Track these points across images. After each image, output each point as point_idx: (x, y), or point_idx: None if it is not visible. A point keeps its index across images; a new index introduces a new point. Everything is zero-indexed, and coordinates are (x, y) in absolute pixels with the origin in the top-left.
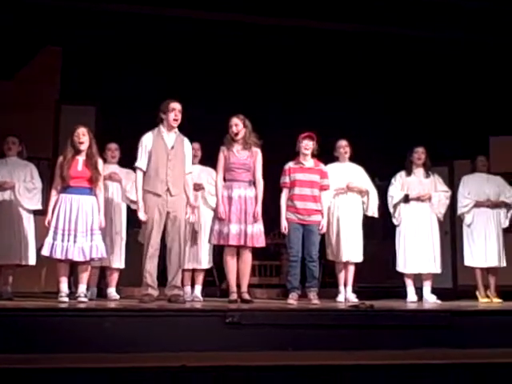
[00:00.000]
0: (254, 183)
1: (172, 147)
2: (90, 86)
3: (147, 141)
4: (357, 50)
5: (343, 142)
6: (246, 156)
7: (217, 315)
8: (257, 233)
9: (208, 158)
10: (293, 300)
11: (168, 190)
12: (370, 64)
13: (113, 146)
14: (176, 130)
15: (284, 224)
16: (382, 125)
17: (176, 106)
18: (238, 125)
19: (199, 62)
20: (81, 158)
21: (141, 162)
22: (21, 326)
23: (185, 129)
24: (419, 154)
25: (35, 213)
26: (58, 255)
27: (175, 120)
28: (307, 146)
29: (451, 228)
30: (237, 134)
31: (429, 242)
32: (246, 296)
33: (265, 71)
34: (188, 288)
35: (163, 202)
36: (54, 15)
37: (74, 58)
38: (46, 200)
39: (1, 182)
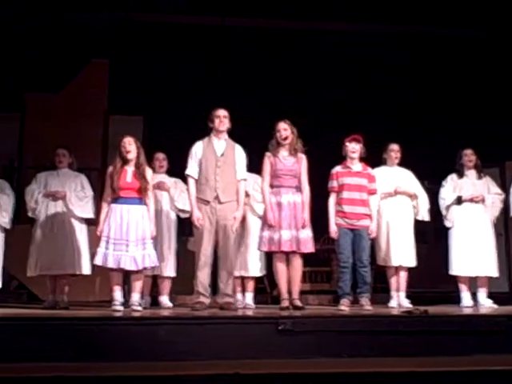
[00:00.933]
0: (300, 189)
1: (222, 154)
2: (137, 96)
3: (197, 149)
4: (409, 50)
5: (395, 147)
6: (292, 162)
7: (269, 322)
8: (306, 239)
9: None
10: (344, 306)
11: (217, 197)
12: (420, 66)
13: (160, 155)
14: (226, 137)
15: (333, 229)
16: (431, 127)
17: (220, 112)
18: (286, 129)
19: (247, 70)
20: (130, 169)
21: (191, 169)
22: (76, 335)
23: (236, 137)
24: (469, 156)
25: (88, 222)
26: (111, 264)
27: (220, 127)
28: (354, 149)
29: (505, 230)
30: (285, 139)
31: (484, 244)
32: (298, 303)
33: (310, 76)
34: (239, 295)
35: (212, 210)
36: (100, 28)
37: (121, 69)
38: (97, 210)
39: (53, 192)
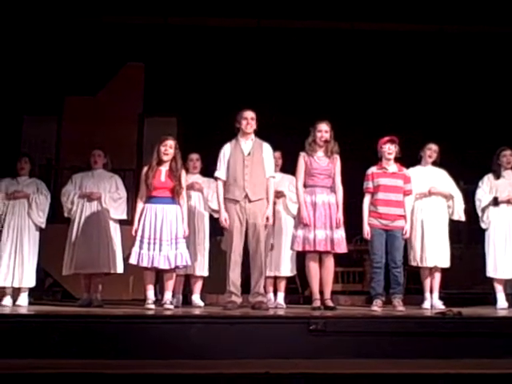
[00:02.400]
0: (333, 189)
1: (249, 153)
2: (171, 98)
3: (226, 150)
4: (440, 50)
5: (434, 146)
6: (326, 162)
7: (300, 322)
8: (340, 239)
9: (289, 167)
10: (377, 307)
11: (246, 196)
12: (453, 65)
13: (194, 156)
14: (252, 136)
15: (367, 229)
16: (466, 127)
17: (248, 114)
18: (327, 132)
19: (280, 71)
20: (164, 169)
21: (220, 171)
22: (110, 333)
23: (265, 137)
24: (507, 157)
25: (121, 222)
26: (145, 263)
27: (247, 128)
28: (390, 150)
29: None
30: (326, 141)
31: None
32: (330, 303)
33: (345, 76)
34: (271, 295)
35: (242, 210)
36: (134, 32)
37: (156, 72)
38: (131, 210)
39: (88, 193)
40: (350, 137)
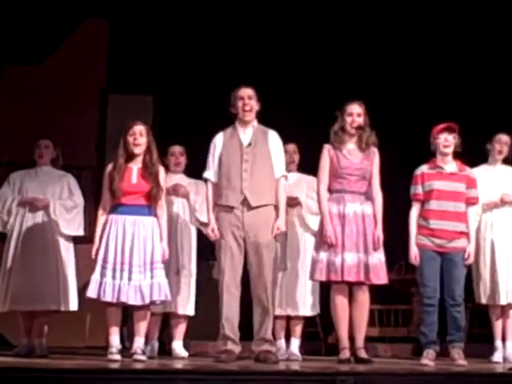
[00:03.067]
0: (370, 196)
1: (249, 144)
2: (146, 69)
3: (217, 142)
4: None
5: (505, 138)
6: (360, 158)
7: (322, 380)
8: (377, 265)
9: (306, 164)
10: (428, 359)
11: (245, 200)
12: None
13: (177, 149)
14: (254, 123)
15: (414, 252)
16: None
17: (243, 92)
18: (360, 115)
19: (292, 37)
20: (135, 167)
21: (209, 170)
22: None
23: (276, 127)
24: None
25: (76, 240)
26: (108, 297)
27: (245, 110)
28: (447, 142)
29: None
30: (358, 128)
31: None
32: (363, 353)
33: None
34: (282, 342)
35: (238, 221)
36: None
37: (125, 32)
38: (90, 223)
39: (31, 199)
40: (387, 125)
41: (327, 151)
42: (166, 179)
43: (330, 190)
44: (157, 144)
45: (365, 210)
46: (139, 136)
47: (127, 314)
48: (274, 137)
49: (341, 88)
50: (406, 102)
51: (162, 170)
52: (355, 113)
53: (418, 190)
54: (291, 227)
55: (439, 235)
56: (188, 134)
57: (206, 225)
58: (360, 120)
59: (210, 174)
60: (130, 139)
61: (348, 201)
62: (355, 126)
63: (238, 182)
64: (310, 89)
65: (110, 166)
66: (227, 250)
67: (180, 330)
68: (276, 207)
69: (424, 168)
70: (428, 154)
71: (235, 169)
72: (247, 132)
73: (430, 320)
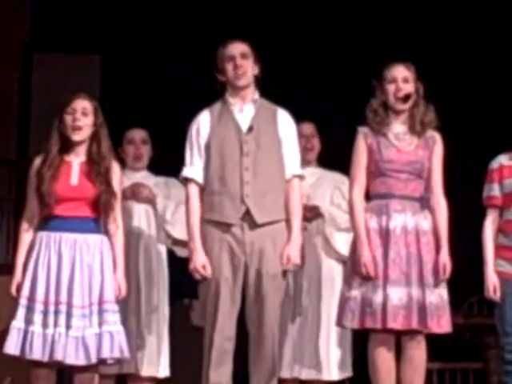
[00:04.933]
0: (427, 202)
1: (250, 128)
2: (88, 15)
3: (202, 125)
4: None
5: None
6: (413, 147)
7: None
8: (438, 305)
9: (331, 155)
10: None
11: (247, 213)
12: None
13: (137, 134)
14: (255, 95)
15: (493, 282)
16: None
17: (234, 48)
18: (407, 80)
19: None
20: (76, 161)
21: (191, 166)
22: None
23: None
24: None
25: None
26: (37, 354)
27: (237, 77)
28: None
29: None
30: (407, 98)
31: None
32: None
33: None
34: None
35: (236, 244)
36: None
37: None
38: (8, 244)
39: None
40: (445, 101)
41: (363, 137)
42: (121, 179)
43: (368, 195)
44: (108, 128)
45: (420, 225)
46: (81, 115)
47: (63, 379)
48: (285, 118)
49: (385, 44)
50: (474, 68)
51: (115, 165)
52: (400, 78)
53: (494, 191)
54: (309, 250)
55: None
56: (153, 112)
57: (181, 243)
58: (408, 87)
59: (192, 171)
60: (68, 120)
61: (395, 211)
62: (402, 97)
63: (237, 186)
64: (334, 44)
65: (37, 160)
66: (220, 286)
67: None
68: (287, 222)
69: (503, 159)
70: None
71: (232, 166)
72: (246, 110)
73: None
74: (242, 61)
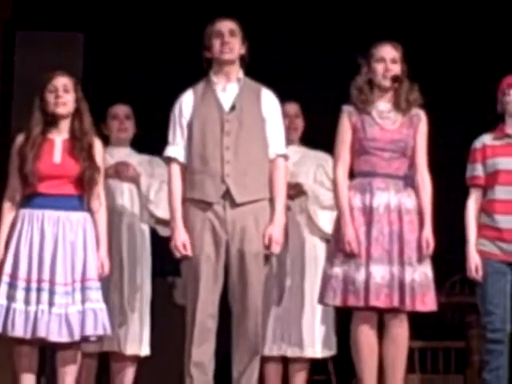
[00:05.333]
0: (411, 181)
1: (232, 107)
2: None
3: (184, 104)
4: None
5: None
6: (398, 125)
7: None
8: (422, 283)
9: (317, 134)
10: None
11: (227, 192)
12: None
13: (121, 109)
14: (239, 74)
15: (475, 262)
16: None
17: (222, 25)
18: (395, 60)
19: None
20: (59, 139)
21: (174, 146)
22: None
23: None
24: None
25: None
26: (19, 331)
27: (223, 51)
28: None
29: None
30: (395, 80)
31: None
32: None
33: None
34: None
35: (219, 222)
36: None
37: None
38: None
39: None
40: (430, 78)
41: (347, 115)
42: (104, 156)
43: (352, 173)
44: (89, 105)
45: (403, 203)
46: (63, 92)
47: (45, 357)
48: (269, 97)
49: (366, 22)
50: (458, 44)
51: (97, 142)
52: (388, 58)
53: (477, 171)
54: (293, 229)
55: (509, 238)
56: (137, 91)
57: (164, 223)
58: (395, 68)
59: (175, 151)
60: (50, 97)
61: (378, 189)
62: (390, 78)
63: (218, 165)
64: (319, 20)
65: (19, 138)
66: (202, 264)
67: (126, 378)
68: (271, 201)
69: (486, 138)
70: (493, 119)
71: (213, 145)
72: (229, 89)
73: (496, 363)
74: (230, 38)
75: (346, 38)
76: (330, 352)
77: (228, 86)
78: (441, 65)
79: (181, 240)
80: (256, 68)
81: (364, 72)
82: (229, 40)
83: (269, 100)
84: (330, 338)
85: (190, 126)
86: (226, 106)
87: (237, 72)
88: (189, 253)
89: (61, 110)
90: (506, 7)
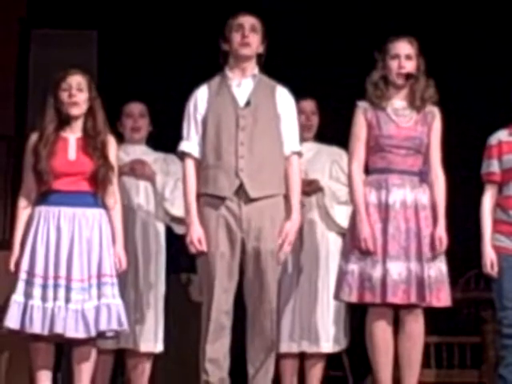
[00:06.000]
0: (426, 177)
1: (247, 103)
2: None
3: (199, 99)
4: None
5: None
6: (413, 122)
7: None
8: (437, 279)
9: (329, 130)
10: None
11: (241, 188)
12: None
13: (135, 107)
14: (255, 70)
15: (490, 257)
16: None
17: (244, 20)
18: (411, 57)
19: None
20: (73, 137)
21: (188, 141)
22: None
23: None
24: None
25: None
26: (37, 328)
27: (244, 43)
28: None
29: None
30: (408, 77)
31: None
32: None
33: None
34: None
35: (233, 217)
36: None
37: None
38: (6, 220)
39: None
40: (445, 73)
41: (362, 112)
42: (118, 154)
43: (368, 170)
44: (104, 103)
45: (419, 199)
46: (77, 91)
47: (62, 353)
48: (283, 94)
49: (381, 16)
50: (475, 39)
51: (111, 140)
52: (403, 54)
53: (492, 166)
54: (308, 225)
55: None
56: (151, 88)
57: (179, 220)
58: (410, 65)
59: (189, 146)
60: (64, 96)
61: (394, 185)
62: (404, 74)
63: (232, 160)
64: (336, 16)
65: (34, 136)
66: (216, 261)
67: (142, 374)
68: (286, 197)
69: (502, 135)
70: (509, 115)
71: (227, 140)
72: (244, 85)
73: (511, 358)
74: (250, 32)
75: (362, 34)
76: (344, 347)
77: (243, 82)
78: (455, 60)
79: (196, 235)
80: (271, 64)
81: (379, 67)
82: (248, 34)
83: (284, 97)
84: (343, 334)
85: (204, 121)
86: (241, 102)
87: (252, 68)
88: (204, 248)
89: (74, 111)
90: None
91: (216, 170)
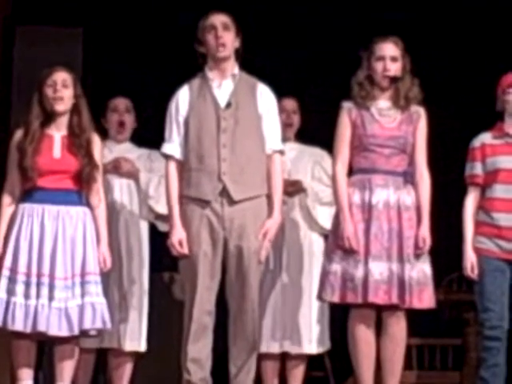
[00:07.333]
0: (410, 178)
1: (228, 104)
2: None
3: (181, 101)
4: None
5: None
6: (397, 122)
7: None
8: (420, 280)
9: (311, 130)
10: None
11: (224, 191)
12: None
13: (121, 102)
14: (235, 70)
15: (471, 260)
16: None
17: (215, 19)
18: (396, 58)
19: None
20: (58, 134)
21: (171, 144)
22: None
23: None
24: None
25: None
26: (19, 325)
27: (219, 44)
28: None
29: None
30: (394, 80)
31: None
32: None
33: None
34: None
35: (216, 219)
36: None
37: None
38: None
39: None
40: (430, 74)
41: (347, 112)
42: (102, 150)
43: (351, 170)
44: (88, 100)
45: (402, 200)
46: (62, 87)
47: (43, 351)
48: (264, 92)
49: (366, 16)
50: (459, 41)
51: (96, 138)
52: (388, 56)
53: (475, 169)
54: (290, 225)
55: (508, 236)
56: (136, 85)
57: (164, 218)
58: (396, 67)
59: (171, 148)
60: (49, 92)
61: (377, 185)
62: (389, 76)
63: (214, 163)
64: (319, 16)
65: (18, 133)
66: (199, 260)
67: (124, 374)
68: (269, 197)
69: (485, 137)
70: (492, 116)
71: (209, 143)
72: (225, 86)
73: (493, 360)
74: (223, 32)
75: (347, 33)
76: (326, 348)
77: (223, 83)
78: (440, 61)
79: (177, 238)
80: (253, 62)
81: (365, 67)
82: (222, 34)
83: (265, 95)
84: (326, 335)
85: (186, 122)
86: (222, 103)
87: (232, 67)
88: (185, 251)
89: (59, 107)
90: (505, 4)
91: (199, 173)
